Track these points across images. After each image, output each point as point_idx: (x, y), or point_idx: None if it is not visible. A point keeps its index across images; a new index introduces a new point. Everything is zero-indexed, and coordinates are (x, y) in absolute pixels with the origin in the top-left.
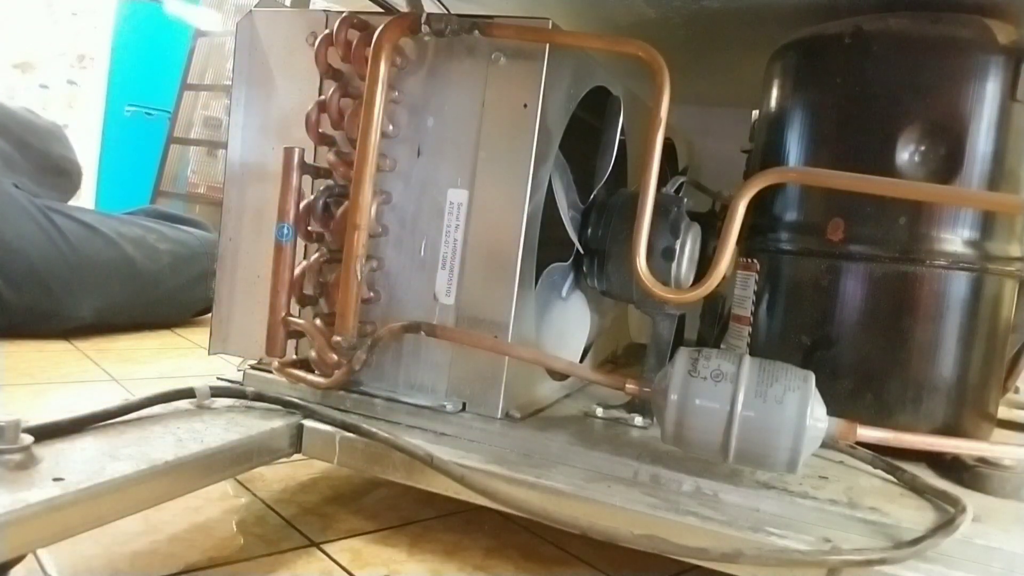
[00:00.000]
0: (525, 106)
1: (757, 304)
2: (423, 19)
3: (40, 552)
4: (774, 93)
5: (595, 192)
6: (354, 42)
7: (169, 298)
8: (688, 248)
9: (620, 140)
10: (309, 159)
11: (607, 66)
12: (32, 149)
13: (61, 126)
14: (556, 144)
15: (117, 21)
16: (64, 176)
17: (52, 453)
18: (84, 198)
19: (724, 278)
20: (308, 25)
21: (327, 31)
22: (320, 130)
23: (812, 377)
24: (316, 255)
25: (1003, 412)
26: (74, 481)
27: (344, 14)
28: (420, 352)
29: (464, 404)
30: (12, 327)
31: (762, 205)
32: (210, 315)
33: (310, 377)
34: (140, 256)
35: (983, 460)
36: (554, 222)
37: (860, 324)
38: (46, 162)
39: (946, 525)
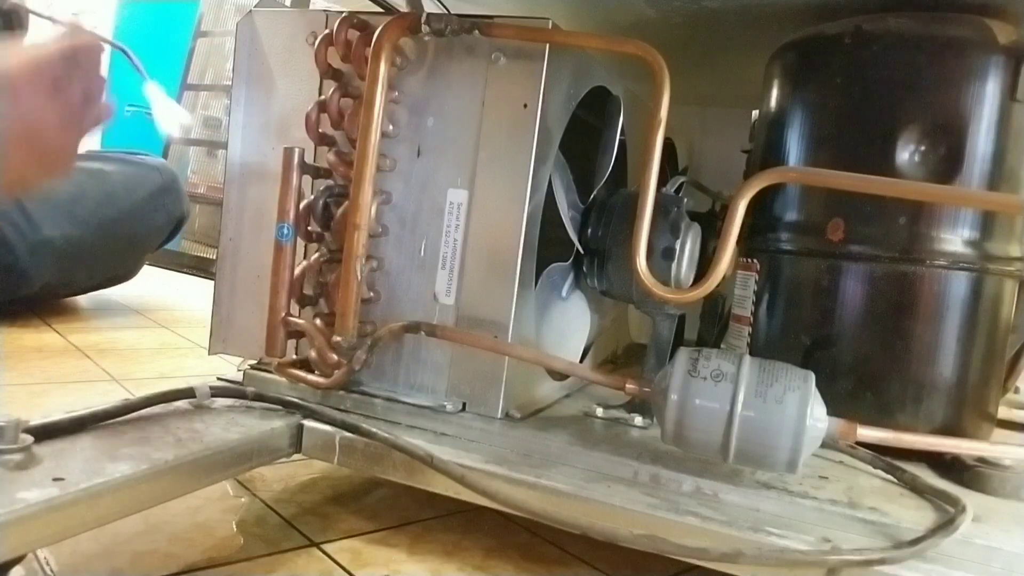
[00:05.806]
0: (525, 106)
1: (757, 304)
2: (423, 19)
3: (40, 552)
4: (774, 93)
5: (595, 192)
6: (354, 42)
7: (129, 217)
8: (688, 248)
9: (620, 140)
10: (309, 159)
11: (607, 66)
12: None
13: None
14: (556, 144)
15: (117, 21)
16: None
17: (52, 453)
18: None
19: (724, 278)
20: (308, 25)
21: (327, 31)
22: (320, 130)
23: (812, 377)
24: (316, 255)
25: (1003, 412)
26: (74, 481)
27: (344, 14)
28: (420, 352)
29: (464, 404)
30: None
31: (762, 205)
32: (210, 314)
33: (310, 377)
34: (90, 182)
35: (983, 460)
36: (554, 222)
37: (860, 324)
38: None
39: (946, 525)
